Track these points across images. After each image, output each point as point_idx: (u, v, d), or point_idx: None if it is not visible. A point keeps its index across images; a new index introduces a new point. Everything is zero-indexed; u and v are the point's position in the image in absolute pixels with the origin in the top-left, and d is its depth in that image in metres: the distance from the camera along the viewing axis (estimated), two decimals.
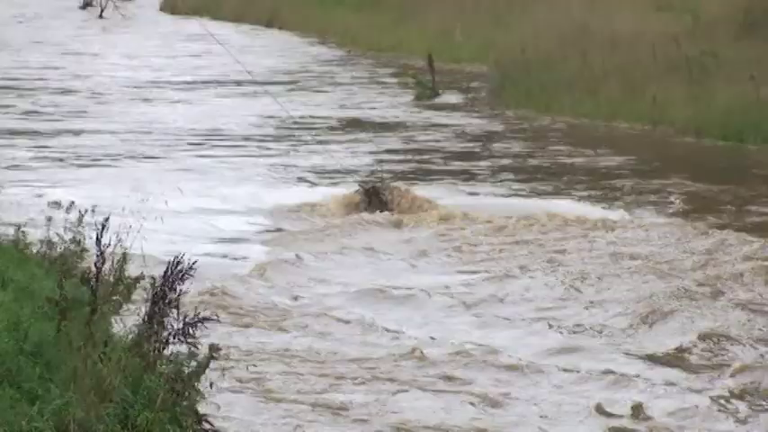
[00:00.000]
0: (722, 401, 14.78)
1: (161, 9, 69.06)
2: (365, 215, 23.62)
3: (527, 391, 15.27)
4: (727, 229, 22.92)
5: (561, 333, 17.72)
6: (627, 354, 16.87)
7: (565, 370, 16.04)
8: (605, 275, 20.46)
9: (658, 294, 19.19)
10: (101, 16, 64.02)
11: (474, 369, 16.04)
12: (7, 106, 37.37)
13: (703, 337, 17.39)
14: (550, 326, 18.03)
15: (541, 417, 14.30)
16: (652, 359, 16.57)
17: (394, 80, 42.65)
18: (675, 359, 16.61)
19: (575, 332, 17.79)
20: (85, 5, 66.92)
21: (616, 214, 24.20)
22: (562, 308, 18.99)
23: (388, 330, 17.67)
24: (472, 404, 14.56)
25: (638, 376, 15.72)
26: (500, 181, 27.92)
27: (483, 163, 30.10)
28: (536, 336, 17.55)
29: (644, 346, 17.14)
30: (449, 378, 15.91)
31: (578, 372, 15.92)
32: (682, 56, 34.50)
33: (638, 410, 14.13)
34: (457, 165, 29.64)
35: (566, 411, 14.46)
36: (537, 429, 13.87)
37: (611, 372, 15.82)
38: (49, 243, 14.10)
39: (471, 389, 15.23)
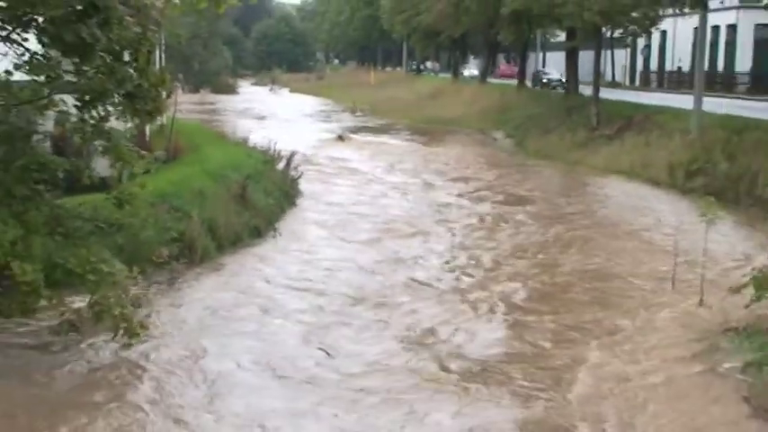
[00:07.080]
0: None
1: (291, 91, 61.90)
2: (338, 142, 25.08)
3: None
4: (432, 144, 25.45)
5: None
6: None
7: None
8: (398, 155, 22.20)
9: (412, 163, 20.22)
10: (271, 91, 60.79)
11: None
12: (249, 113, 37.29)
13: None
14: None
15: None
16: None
17: (345, 110, 41.14)
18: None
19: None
20: (270, 90, 62.28)
21: (396, 142, 26.27)
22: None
23: (354, 175, 18.09)
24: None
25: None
26: (377, 134, 28.90)
27: (370, 128, 31.32)
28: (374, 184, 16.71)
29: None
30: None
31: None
32: (414, 102, 37.42)
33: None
34: (362, 129, 30.50)
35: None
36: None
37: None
38: (254, 148, 14.64)
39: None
